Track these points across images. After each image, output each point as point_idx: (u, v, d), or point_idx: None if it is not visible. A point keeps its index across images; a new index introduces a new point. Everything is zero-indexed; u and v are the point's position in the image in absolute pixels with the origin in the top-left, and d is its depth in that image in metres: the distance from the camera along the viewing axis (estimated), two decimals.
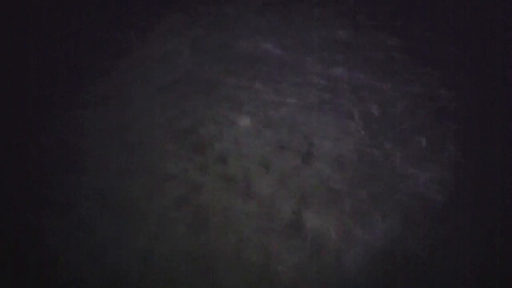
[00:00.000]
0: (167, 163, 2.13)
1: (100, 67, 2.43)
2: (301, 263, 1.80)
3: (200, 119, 2.25)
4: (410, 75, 2.20)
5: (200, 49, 2.47)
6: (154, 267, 1.87)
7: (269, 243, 1.83)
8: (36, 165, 2.18)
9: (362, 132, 2.09)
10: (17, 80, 2.41)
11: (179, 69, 2.40)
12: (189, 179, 2.07)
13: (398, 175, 1.97)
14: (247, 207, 1.92)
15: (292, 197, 1.93)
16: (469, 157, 1.96)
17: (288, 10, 2.56)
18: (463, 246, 1.79)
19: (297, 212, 1.89)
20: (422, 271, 1.76)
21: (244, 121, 2.18)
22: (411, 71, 2.20)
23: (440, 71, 2.16)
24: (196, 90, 2.34)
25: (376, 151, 2.04)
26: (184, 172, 2.09)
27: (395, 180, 1.96)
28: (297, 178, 1.98)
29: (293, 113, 2.17)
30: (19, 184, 2.13)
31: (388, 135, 2.07)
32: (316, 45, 2.39)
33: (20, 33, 2.48)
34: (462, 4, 2.20)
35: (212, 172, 2.06)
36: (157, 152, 2.18)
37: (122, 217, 2.01)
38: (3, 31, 2.48)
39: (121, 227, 1.98)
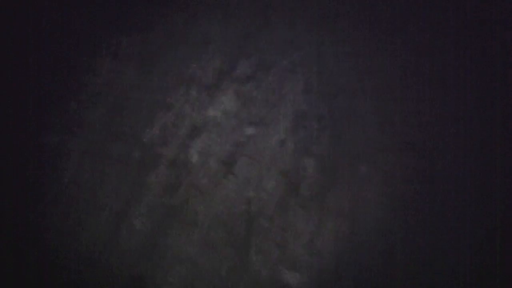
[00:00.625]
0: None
1: (100, 67, 2.43)
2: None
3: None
4: (410, 75, 2.20)
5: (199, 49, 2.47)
6: (153, 266, 1.87)
7: None
8: (36, 165, 2.18)
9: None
10: (17, 80, 2.41)
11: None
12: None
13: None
14: None
15: None
16: (469, 157, 1.96)
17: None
18: (463, 246, 1.79)
19: None
20: (422, 271, 1.76)
21: None
22: (411, 71, 2.20)
23: (440, 71, 2.16)
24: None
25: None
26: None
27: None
28: None
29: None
30: (19, 184, 2.13)
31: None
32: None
33: (20, 33, 2.49)
34: (462, 4, 2.20)
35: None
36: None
37: (121, 217, 2.01)
38: (3, 31, 2.48)
39: (121, 227, 1.98)
